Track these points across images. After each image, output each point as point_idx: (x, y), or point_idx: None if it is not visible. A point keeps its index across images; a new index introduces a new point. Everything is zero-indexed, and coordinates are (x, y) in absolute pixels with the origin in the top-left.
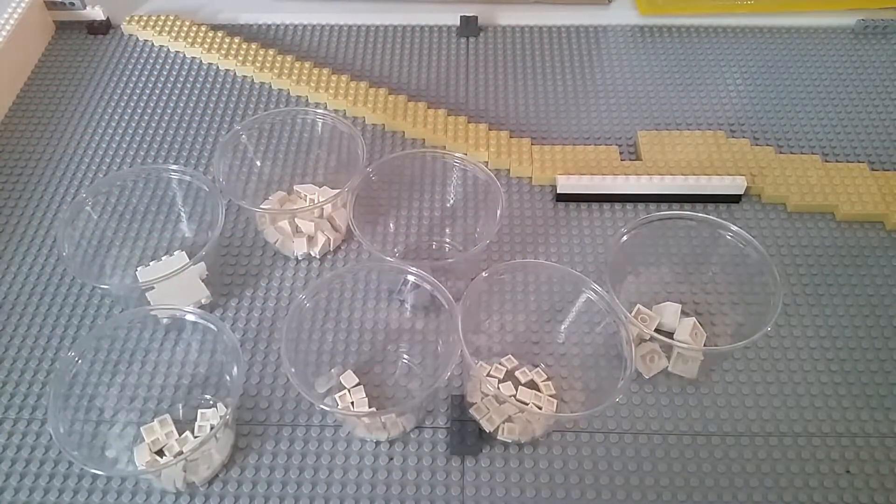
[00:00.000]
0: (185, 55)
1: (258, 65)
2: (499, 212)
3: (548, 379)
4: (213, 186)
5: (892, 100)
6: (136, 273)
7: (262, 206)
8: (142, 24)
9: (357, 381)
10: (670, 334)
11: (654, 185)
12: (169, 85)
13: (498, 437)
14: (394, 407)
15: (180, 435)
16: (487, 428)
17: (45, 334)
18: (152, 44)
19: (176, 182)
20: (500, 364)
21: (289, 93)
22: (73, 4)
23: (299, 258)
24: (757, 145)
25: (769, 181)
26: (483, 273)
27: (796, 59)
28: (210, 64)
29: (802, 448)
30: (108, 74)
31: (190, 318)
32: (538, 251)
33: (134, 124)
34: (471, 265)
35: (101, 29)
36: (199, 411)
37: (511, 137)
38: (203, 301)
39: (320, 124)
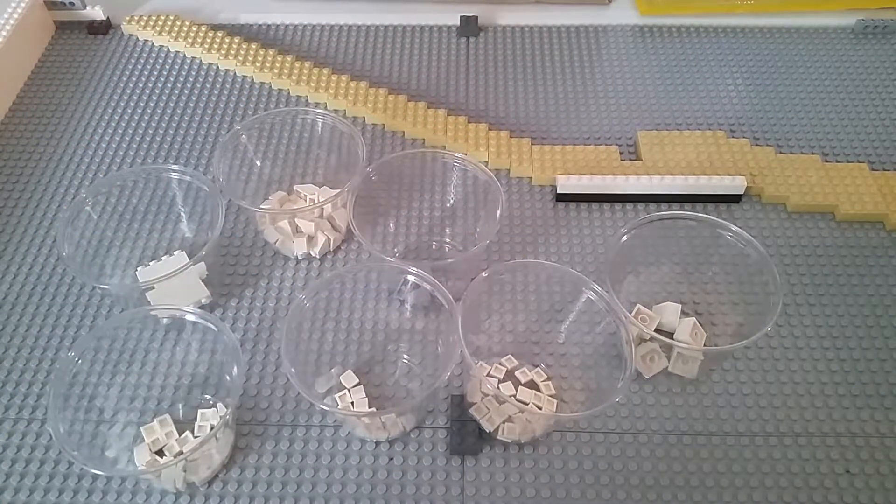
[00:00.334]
0: (185, 55)
1: (258, 65)
2: (499, 212)
3: (548, 379)
4: (213, 186)
5: (892, 100)
6: (136, 273)
7: (262, 206)
8: (142, 24)
9: (357, 381)
10: (670, 334)
11: (654, 185)
12: (169, 85)
13: (498, 437)
14: (394, 407)
15: (180, 435)
16: (487, 428)
17: (45, 334)
18: (152, 44)
19: (176, 182)
20: (500, 364)
21: (289, 93)
22: (73, 4)
23: (299, 258)
24: (757, 145)
25: (769, 181)
26: (483, 273)
27: (796, 59)
28: (210, 64)
29: (802, 448)
30: (108, 74)
31: (190, 318)
32: (538, 251)
33: (134, 124)
34: (471, 265)
35: (101, 29)
36: (199, 411)
37: (511, 137)
38: (203, 301)
39: (320, 124)
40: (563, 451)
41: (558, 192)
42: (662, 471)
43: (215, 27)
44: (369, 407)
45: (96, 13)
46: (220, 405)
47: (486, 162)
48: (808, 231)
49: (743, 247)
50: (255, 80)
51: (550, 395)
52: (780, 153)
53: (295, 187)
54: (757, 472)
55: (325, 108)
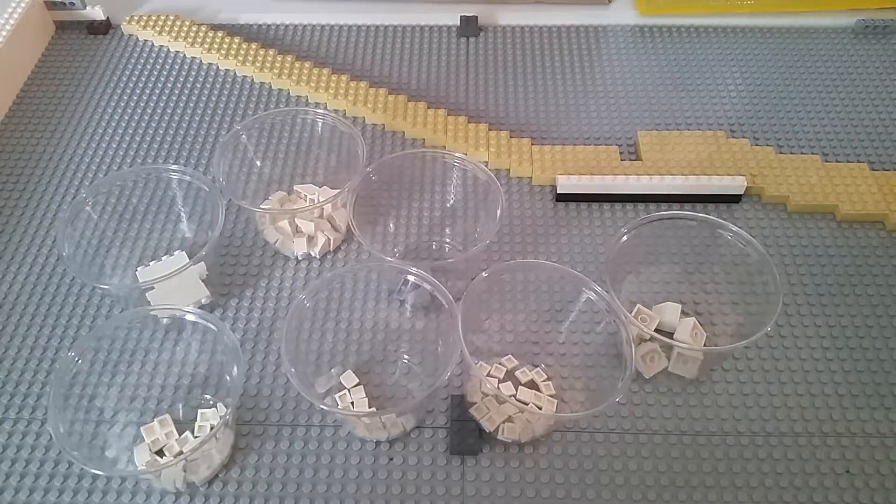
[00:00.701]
0: (185, 55)
1: (258, 65)
2: (499, 212)
3: (548, 379)
4: (213, 186)
5: (892, 100)
6: (136, 273)
7: (262, 206)
8: (142, 24)
9: (357, 381)
10: (670, 334)
11: (654, 185)
12: (169, 85)
13: (498, 437)
14: (394, 407)
15: (180, 435)
16: (487, 428)
17: (45, 334)
18: (152, 44)
19: (176, 182)
20: (500, 364)
21: (289, 93)
22: (73, 4)
23: (299, 258)
24: (757, 145)
25: (769, 181)
26: (483, 273)
27: (796, 59)
28: (210, 64)
29: (802, 448)
30: (108, 74)
31: (190, 318)
32: (538, 251)
33: (134, 124)
34: (471, 265)
35: (101, 29)
36: (199, 411)
37: (511, 137)
38: (203, 301)
39: (320, 124)
40: (563, 451)
41: (558, 192)
42: (662, 471)
43: (215, 27)
44: (369, 407)
45: (96, 13)
46: (220, 405)
47: (486, 162)
48: (808, 231)
49: (743, 247)
50: (255, 80)
51: (550, 395)
52: (780, 153)
53: (295, 187)
54: (757, 472)
55: (325, 108)
